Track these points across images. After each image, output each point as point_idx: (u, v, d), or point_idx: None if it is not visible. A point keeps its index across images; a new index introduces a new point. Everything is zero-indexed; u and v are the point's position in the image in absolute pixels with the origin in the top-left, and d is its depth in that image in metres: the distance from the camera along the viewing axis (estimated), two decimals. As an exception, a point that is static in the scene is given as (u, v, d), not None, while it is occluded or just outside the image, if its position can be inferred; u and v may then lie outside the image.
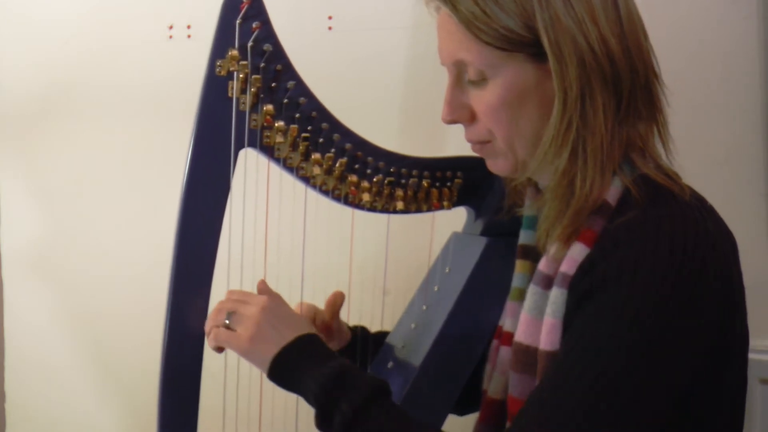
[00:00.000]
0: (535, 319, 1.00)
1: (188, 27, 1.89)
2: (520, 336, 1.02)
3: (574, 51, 0.95)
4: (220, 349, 1.09)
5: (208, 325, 1.09)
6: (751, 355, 1.01)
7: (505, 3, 0.96)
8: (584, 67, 0.95)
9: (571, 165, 0.97)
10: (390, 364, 1.26)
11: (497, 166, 1.07)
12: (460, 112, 1.05)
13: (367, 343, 1.31)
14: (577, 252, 0.97)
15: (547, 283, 1.00)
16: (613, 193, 0.98)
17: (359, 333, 1.32)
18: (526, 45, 0.97)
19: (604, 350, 0.90)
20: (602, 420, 0.89)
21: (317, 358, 1.03)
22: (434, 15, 1.05)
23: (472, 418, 1.16)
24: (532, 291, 1.02)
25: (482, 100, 1.02)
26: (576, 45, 0.95)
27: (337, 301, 1.28)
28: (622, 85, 0.97)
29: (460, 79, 1.04)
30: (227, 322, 1.07)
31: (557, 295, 0.97)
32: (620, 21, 0.98)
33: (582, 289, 0.94)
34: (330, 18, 1.82)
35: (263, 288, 1.13)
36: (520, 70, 0.99)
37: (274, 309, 1.08)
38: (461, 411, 1.30)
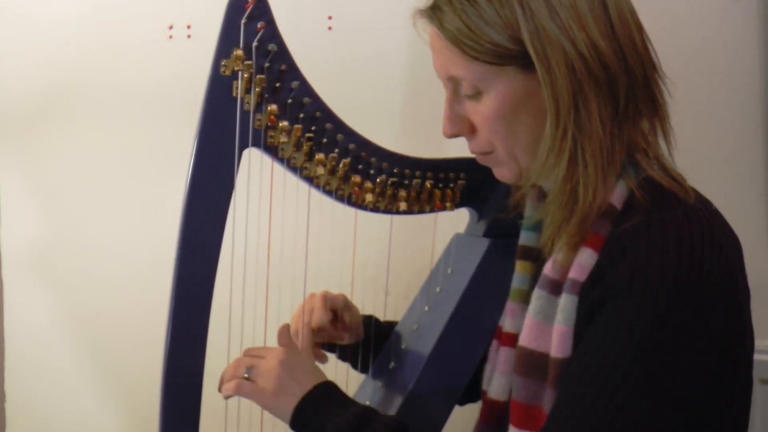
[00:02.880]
0: (541, 324, 1.00)
1: (188, 27, 1.89)
2: (525, 340, 1.01)
3: (562, 59, 0.94)
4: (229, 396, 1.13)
5: (227, 374, 1.13)
6: (751, 356, 1.02)
7: (490, 17, 0.96)
8: (574, 73, 0.94)
9: (572, 172, 0.97)
10: (392, 365, 1.27)
11: (503, 174, 1.07)
12: (460, 126, 1.05)
13: (380, 337, 1.33)
14: (586, 258, 0.96)
15: (554, 288, 1.00)
16: (618, 197, 0.98)
17: (373, 326, 1.34)
18: (514, 57, 0.96)
19: (622, 362, 0.90)
20: (626, 430, 0.89)
21: (336, 405, 1.07)
22: (423, 35, 1.04)
23: (472, 419, 1.16)
24: (538, 295, 1.01)
25: (478, 112, 1.02)
26: (564, 53, 0.94)
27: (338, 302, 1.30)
28: (618, 87, 0.96)
29: (457, 93, 1.04)
30: (246, 375, 1.10)
31: (568, 302, 0.97)
32: (610, 22, 0.96)
33: (593, 299, 0.94)
34: (330, 18, 1.82)
35: (284, 335, 1.15)
36: (512, 82, 0.98)
37: (291, 361, 1.11)
38: (460, 402, 1.30)
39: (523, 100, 0.98)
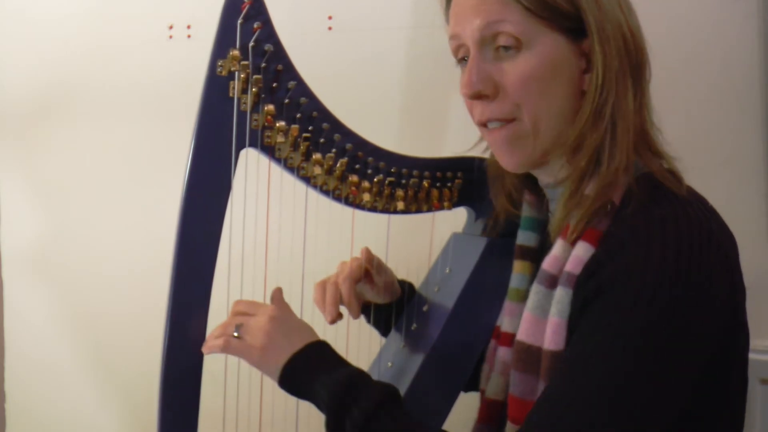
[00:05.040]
0: (538, 318, 1.00)
1: (188, 27, 1.89)
2: (522, 335, 1.01)
3: (615, 32, 0.98)
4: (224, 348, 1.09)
5: (216, 332, 1.10)
6: (751, 355, 1.02)
7: None
8: (620, 49, 0.98)
9: (602, 140, 0.99)
10: (389, 364, 1.27)
11: (514, 155, 1.05)
12: (485, 84, 1.02)
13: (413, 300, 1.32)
14: (582, 251, 0.96)
15: (552, 282, 1.00)
16: (617, 192, 0.98)
17: (407, 289, 1.33)
18: (566, 18, 0.99)
19: (614, 353, 0.90)
20: (612, 422, 0.89)
21: (327, 365, 1.05)
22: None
23: (470, 419, 1.16)
24: (536, 290, 1.01)
25: (514, 70, 1.01)
26: (617, 27, 0.99)
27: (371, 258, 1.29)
28: (641, 74, 1.01)
29: (485, 53, 1.03)
30: (236, 334, 1.09)
31: (562, 295, 0.97)
32: (635, 16, 1.02)
33: (588, 291, 0.94)
34: (330, 18, 1.82)
35: (277, 295, 1.14)
36: (556, 43, 1.00)
37: (283, 318, 1.09)
38: None
39: (561, 65, 1.00)
